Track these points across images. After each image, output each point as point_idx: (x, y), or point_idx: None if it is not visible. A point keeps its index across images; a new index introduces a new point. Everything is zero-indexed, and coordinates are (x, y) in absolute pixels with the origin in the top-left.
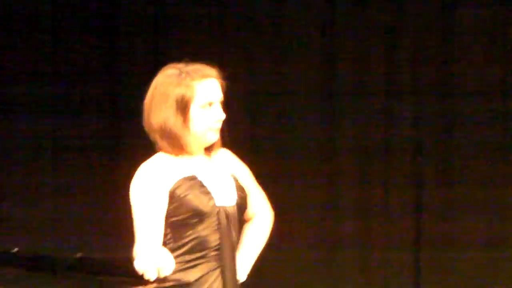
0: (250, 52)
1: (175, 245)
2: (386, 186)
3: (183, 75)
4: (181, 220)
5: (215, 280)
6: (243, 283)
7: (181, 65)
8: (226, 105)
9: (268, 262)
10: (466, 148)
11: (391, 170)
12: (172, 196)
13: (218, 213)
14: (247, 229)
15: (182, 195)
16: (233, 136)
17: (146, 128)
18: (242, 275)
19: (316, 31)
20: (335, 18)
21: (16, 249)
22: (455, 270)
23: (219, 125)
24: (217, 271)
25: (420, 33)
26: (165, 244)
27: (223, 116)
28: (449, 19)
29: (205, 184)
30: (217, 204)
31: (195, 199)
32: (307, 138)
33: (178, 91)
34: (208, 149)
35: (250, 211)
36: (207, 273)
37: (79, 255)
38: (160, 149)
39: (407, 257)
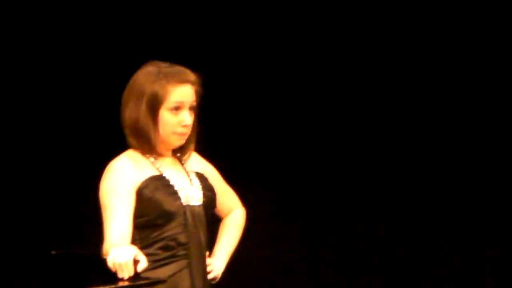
0: None
1: (143, 245)
2: None
3: (161, 75)
4: (148, 221)
5: (185, 278)
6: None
7: (163, 65)
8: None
9: None
10: None
11: None
12: (139, 195)
13: (184, 212)
14: (222, 226)
15: (149, 195)
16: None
17: (121, 122)
18: (217, 272)
19: None
20: None
21: None
22: None
23: (184, 130)
24: (187, 270)
25: None
26: (132, 244)
27: (188, 122)
28: None
29: (172, 183)
30: (183, 204)
31: (162, 199)
32: None
33: (152, 90)
34: (178, 151)
35: (223, 209)
36: (178, 271)
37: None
38: (130, 146)
39: None
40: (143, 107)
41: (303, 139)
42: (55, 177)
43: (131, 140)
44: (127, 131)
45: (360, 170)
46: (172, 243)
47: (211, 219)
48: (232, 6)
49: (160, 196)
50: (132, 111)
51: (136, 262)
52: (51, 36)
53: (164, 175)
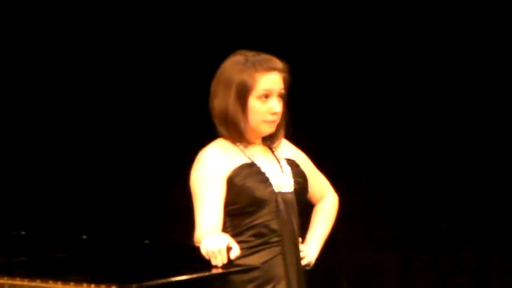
0: None
1: (234, 232)
2: None
3: (249, 64)
4: (240, 209)
5: (279, 265)
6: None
7: (250, 54)
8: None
9: None
10: None
11: None
12: (230, 183)
13: (276, 200)
14: (315, 213)
15: (240, 183)
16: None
17: (210, 111)
18: (311, 258)
19: None
20: None
21: None
22: None
23: (273, 118)
24: (280, 257)
25: None
26: (224, 232)
27: (278, 110)
28: None
29: (263, 171)
30: (275, 191)
31: (253, 187)
32: None
33: (241, 79)
34: (268, 139)
35: (316, 196)
36: (271, 258)
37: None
38: (220, 135)
39: None
40: (232, 96)
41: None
42: (147, 169)
43: (221, 129)
44: (217, 121)
45: None
46: (264, 230)
47: (304, 205)
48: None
49: (251, 183)
50: (221, 100)
51: (229, 249)
52: (125, 29)
53: (255, 162)
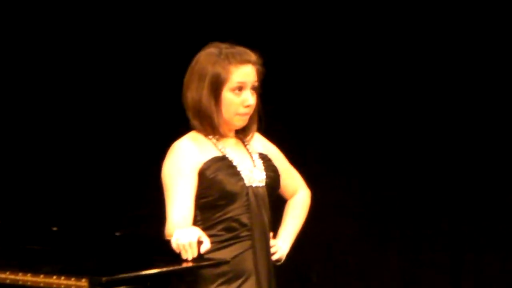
0: None
1: (205, 226)
2: None
3: (222, 56)
4: (210, 202)
5: (249, 259)
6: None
7: (223, 46)
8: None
9: None
10: None
11: None
12: (202, 176)
13: (247, 193)
14: (287, 208)
15: (211, 176)
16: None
17: (183, 104)
18: (282, 253)
19: None
20: None
21: None
22: None
23: (247, 110)
24: (250, 251)
25: None
26: (195, 225)
27: (251, 102)
28: None
29: (234, 164)
30: (246, 185)
31: (224, 180)
32: None
33: (214, 72)
34: (241, 133)
35: (288, 190)
36: (241, 252)
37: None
38: (193, 128)
39: None
40: (206, 89)
41: (365, 128)
42: (120, 161)
43: (194, 122)
44: (189, 113)
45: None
46: (234, 224)
47: (276, 200)
48: None
49: (222, 176)
50: (194, 93)
51: (199, 243)
52: (110, 26)
53: (226, 156)
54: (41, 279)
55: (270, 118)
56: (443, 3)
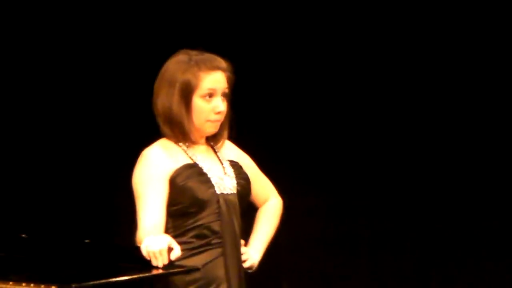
0: None
1: (176, 233)
2: None
3: (192, 62)
4: (181, 209)
5: (220, 267)
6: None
7: (193, 53)
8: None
9: None
10: None
11: None
12: (172, 184)
13: (218, 201)
14: (258, 215)
15: (181, 183)
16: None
17: (153, 111)
18: (253, 261)
19: None
20: None
21: None
22: None
23: (218, 117)
24: (221, 259)
25: None
26: (166, 233)
27: (222, 109)
28: None
29: (205, 171)
30: (217, 192)
31: (195, 187)
32: None
33: (184, 78)
34: (212, 139)
35: (259, 198)
36: (212, 260)
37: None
38: (163, 135)
39: None
40: (176, 95)
41: (331, 129)
42: (90, 168)
43: (164, 129)
44: (160, 120)
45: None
46: (205, 232)
47: (247, 208)
48: None
49: (193, 184)
50: (164, 100)
51: (170, 250)
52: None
53: (197, 163)
54: (10, 286)
55: (240, 125)
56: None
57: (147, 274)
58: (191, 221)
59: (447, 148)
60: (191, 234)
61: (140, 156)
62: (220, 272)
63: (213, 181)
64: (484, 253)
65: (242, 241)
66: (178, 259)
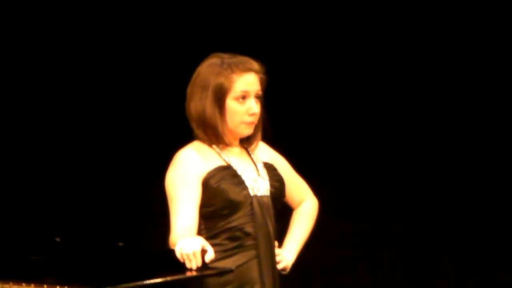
0: None
1: (209, 235)
2: None
3: (225, 66)
4: (214, 211)
5: (253, 269)
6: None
7: (225, 56)
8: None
9: None
10: None
11: None
12: (206, 186)
13: (251, 203)
14: (293, 217)
15: (215, 185)
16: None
17: (187, 115)
18: (287, 263)
19: None
20: None
21: None
22: None
23: (252, 119)
24: (255, 261)
25: None
26: (199, 234)
27: (256, 110)
28: None
29: (238, 173)
30: (250, 194)
31: (228, 189)
32: None
33: (217, 81)
34: (245, 141)
35: (294, 200)
36: (246, 262)
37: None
38: (196, 138)
39: None
40: (209, 99)
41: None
42: (124, 171)
43: (198, 132)
44: (194, 124)
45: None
46: (238, 233)
47: (282, 209)
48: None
49: (226, 186)
50: (198, 103)
51: (203, 252)
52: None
53: (231, 165)
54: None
55: (274, 127)
56: (443, 3)
57: (180, 276)
58: (223, 222)
59: (481, 147)
60: (224, 236)
61: (174, 158)
62: (254, 274)
63: (247, 183)
64: None
65: (276, 243)
66: (212, 261)
